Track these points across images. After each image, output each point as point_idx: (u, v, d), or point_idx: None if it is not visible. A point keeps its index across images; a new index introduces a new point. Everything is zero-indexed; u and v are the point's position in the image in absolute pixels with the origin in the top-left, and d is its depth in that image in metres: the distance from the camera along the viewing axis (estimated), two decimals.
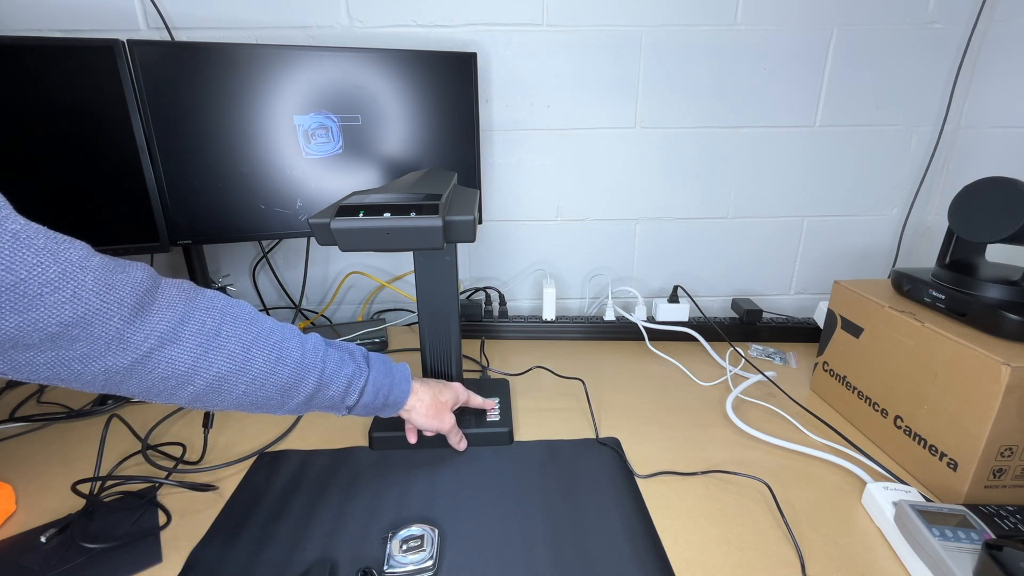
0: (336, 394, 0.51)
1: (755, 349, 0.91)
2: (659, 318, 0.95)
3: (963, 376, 0.52)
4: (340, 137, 0.81)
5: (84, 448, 0.63)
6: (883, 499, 0.51)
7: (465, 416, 0.65)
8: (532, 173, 0.98)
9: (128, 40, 0.70)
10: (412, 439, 0.63)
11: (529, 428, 0.68)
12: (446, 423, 0.60)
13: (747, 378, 0.78)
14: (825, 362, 0.75)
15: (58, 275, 0.34)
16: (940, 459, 0.55)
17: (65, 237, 0.36)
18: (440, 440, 0.62)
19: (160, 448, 0.63)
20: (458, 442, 0.62)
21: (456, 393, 0.62)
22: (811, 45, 0.91)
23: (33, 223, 0.34)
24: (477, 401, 0.65)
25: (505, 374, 0.82)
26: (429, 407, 0.58)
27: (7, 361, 0.35)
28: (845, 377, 0.70)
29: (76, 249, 0.36)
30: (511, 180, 0.98)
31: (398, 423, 0.63)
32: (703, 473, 0.59)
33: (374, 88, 0.81)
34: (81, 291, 0.35)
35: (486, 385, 0.74)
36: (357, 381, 0.52)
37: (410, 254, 0.64)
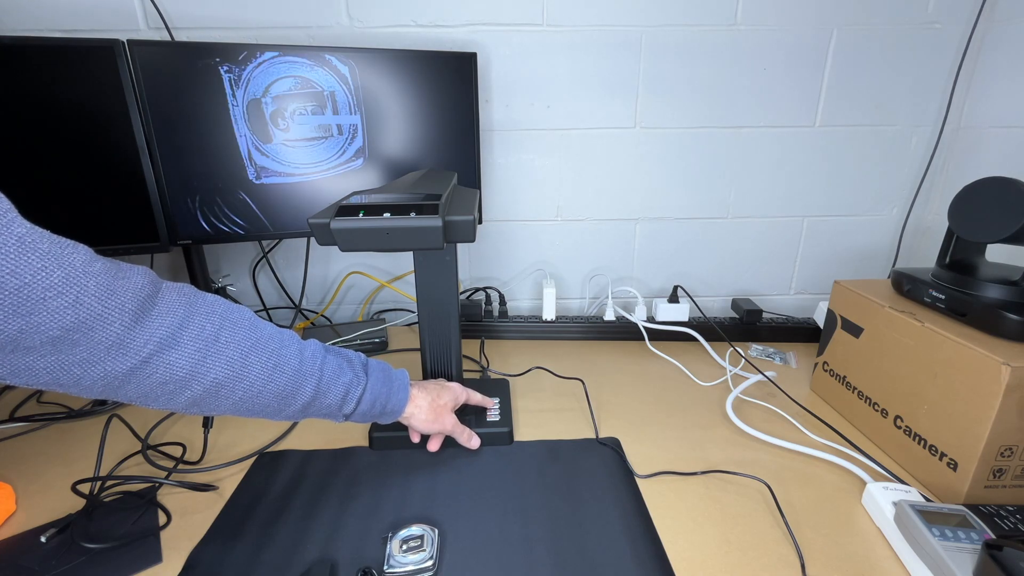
0: (333, 402, 0.51)
1: (755, 349, 0.92)
2: (659, 318, 0.95)
3: (963, 376, 0.52)
4: (355, 138, 0.81)
5: (84, 448, 0.63)
6: (883, 499, 0.51)
7: (465, 416, 0.65)
8: (532, 173, 0.98)
9: (128, 40, 0.70)
10: (415, 438, 0.63)
11: (529, 428, 0.68)
12: (447, 424, 0.60)
13: (747, 378, 0.78)
14: (825, 362, 0.75)
15: (61, 280, 0.34)
16: (940, 459, 0.55)
17: (68, 241, 0.36)
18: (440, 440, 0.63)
19: (160, 448, 0.63)
20: (467, 439, 0.62)
21: (455, 394, 0.62)
22: (811, 45, 0.91)
23: (37, 227, 0.35)
24: (477, 398, 0.66)
25: (505, 375, 0.82)
26: (428, 412, 0.58)
27: (7, 365, 0.35)
28: (845, 377, 0.70)
29: (79, 254, 0.36)
30: (511, 180, 0.98)
31: (398, 423, 0.63)
32: (703, 473, 0.59)
33: (374, 88, 0.81)
34: (83, 296, 0.36)
35: (486, 385, 0.74)
36: (355, 390, 0.52)
37: (410, 254, 0.64)
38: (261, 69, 0.76)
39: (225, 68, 0.74)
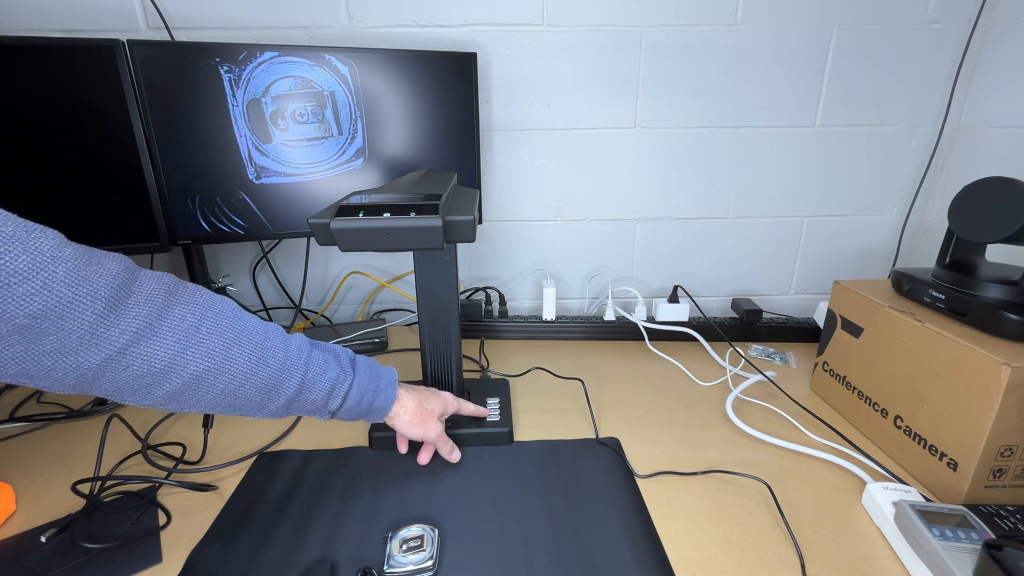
0: (319, 398, 0.49)
1: (755, 349, 0.91)
2: (659, 318, 0.95)
3: (963, 376, 0.52)
4: (346, 140, 0.81)
5: (84, 448, 0.63)
6: (883, 499, 0.51)
7: (464, 418, 0.65)
8: (532, 173, 0.98)
9: (128, 40, 0.70)
10: (403, 448, 0.62)
11: (529, 428, 0.68)
12: (432, 432, 0.58)
13: (747, 378, 0.78)
14: (825, 362, 0.75)
15: (27, 265, 0.33)
16: (940, 459, 0.55)
17: (36, 225, 0.35)
18: (440, 440, 0.62)
19: (160, 448, 0.63)
20: (449, 452, 0.60)
21: (445, 402, 0.61)
22: (811, 45, 0.91)
23: (2, 210, 0.33)
24: (469, 409, 0.64)
25: (505, 375, 0.82)
26: (413, 415, 0.57)
27: None
28: (845, 377, 0.70)
29: (47, 238, 0.35)
30: (511, 180, 0.98)
31: None
32: (703, 473, 0.59)
33: (374, 88, 0.81)
34: (52, 282, 0.34)
35: (486, 385, 0.74)
36: (341, 385, 0.50)
37: (410, 254, 0.64)
38: (261, 69, 0.75)
39: (225, 68, 0.74)
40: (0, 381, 0.36)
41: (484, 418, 0.66)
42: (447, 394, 0.63)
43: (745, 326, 0.95)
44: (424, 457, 0.61)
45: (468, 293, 1.04)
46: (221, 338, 0.43)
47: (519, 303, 1.09)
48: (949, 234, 0.63)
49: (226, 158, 0.78)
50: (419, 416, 0.57)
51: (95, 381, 0.38)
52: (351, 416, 0.53)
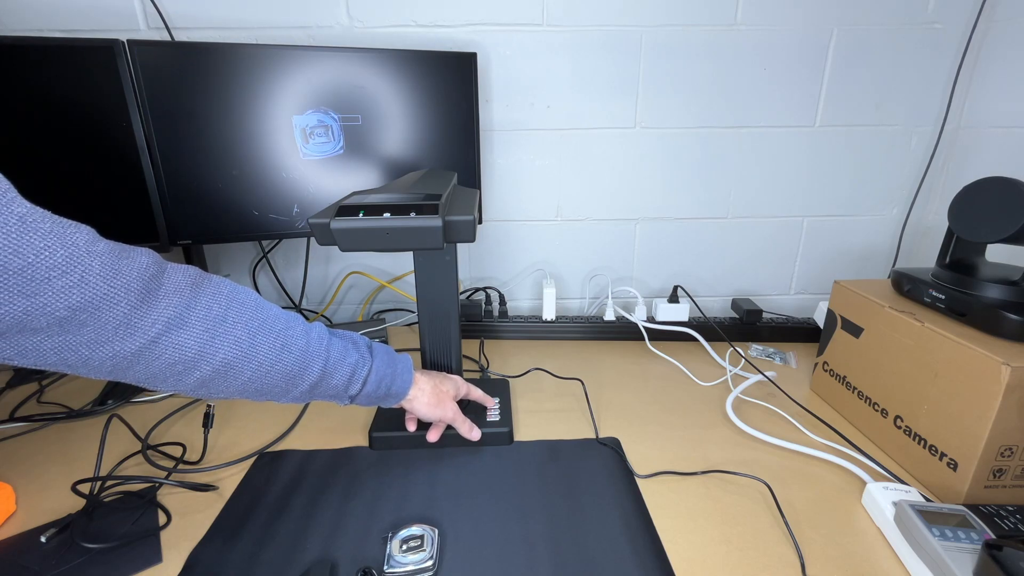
0: (340, 383, 0.51)
1: (755, 349, 0.91)
2: (659, 318, 0.95)
3: (963, 376, 0.52)
4: (341, 137, 0.81)
5: (84, 448, 0.63)
6: (883, 499, 0.51)
7: (465, 414, 0.65)
8: (532, 173, 0.98)
9: (128, 40, 0.70)
10: (412, 426, 0.63)
11: (529, 428, 0.68)
12: (448, 411, 0.60)
13: (747, 378, 0.78)
14: (825, 362, 0.75)
15: (65, 259, 0.34)
16: (940, 459, 0.55)
17: (70, 222, 0.36)
18: (440, 439, 0.62)
19: (160, 448, 0.63)
20: (468, 430, 0.62)
21: (456, 384, 0.63)
22: (811, 45, 0.91)
23: (38, 207, 0.35)
24: (478, 394, 0.66)
25: (505, 375, 0.82)
26: (431, 396, 0.59)
27: (14, 346, 0.35)
28: (845, 377, 0.70)
29: (82, 234, 0.36)
30: (511, 180, 0.98)
31: (398, 422, 0.63)
32: (703, 473, 0.59)
33: (374, 88, 0.80)
34: (88, 276, 0.35)
35: (486, 386, 0.74)
36: (361, 370, 0.52)
37: (410, 254, 0.64)
38: None
39: (298, 118, 0.75)
40: (37, 368, 0.37)
41: (486, 414, 0.66)
42: (457, 377, 0.64)
43: (745, 326, 0.95)
44: (434, 435, 0.62)
45: (468, 293, 1.04)
46: (247, 327, 0.45)
47: (519, 303, 1.09)
48: (949, 234, 0.63)
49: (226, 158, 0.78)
50: (436, 398, 0.59)
51: (129, 369, 0.40)
52: (370, 401, 0.55)
